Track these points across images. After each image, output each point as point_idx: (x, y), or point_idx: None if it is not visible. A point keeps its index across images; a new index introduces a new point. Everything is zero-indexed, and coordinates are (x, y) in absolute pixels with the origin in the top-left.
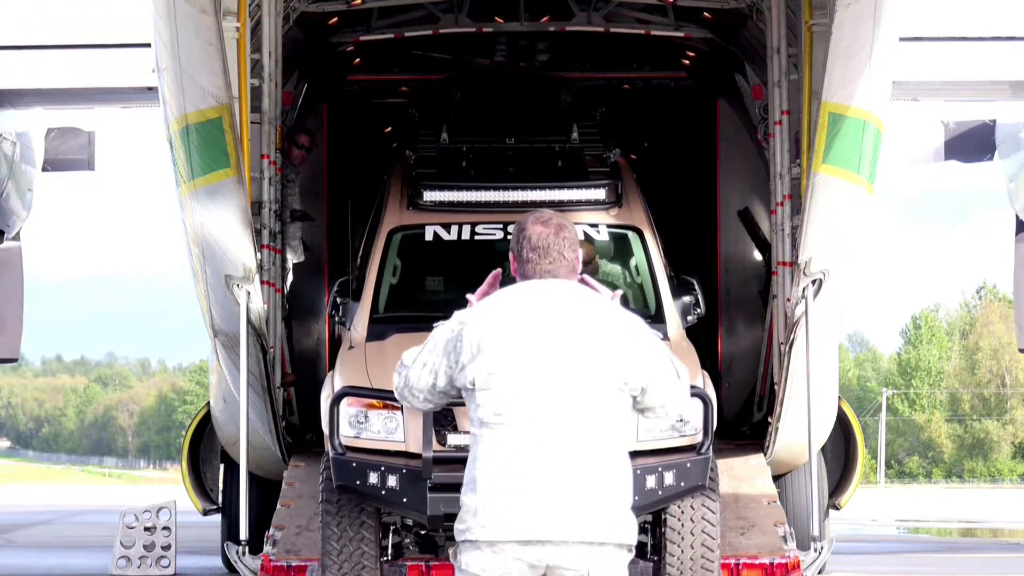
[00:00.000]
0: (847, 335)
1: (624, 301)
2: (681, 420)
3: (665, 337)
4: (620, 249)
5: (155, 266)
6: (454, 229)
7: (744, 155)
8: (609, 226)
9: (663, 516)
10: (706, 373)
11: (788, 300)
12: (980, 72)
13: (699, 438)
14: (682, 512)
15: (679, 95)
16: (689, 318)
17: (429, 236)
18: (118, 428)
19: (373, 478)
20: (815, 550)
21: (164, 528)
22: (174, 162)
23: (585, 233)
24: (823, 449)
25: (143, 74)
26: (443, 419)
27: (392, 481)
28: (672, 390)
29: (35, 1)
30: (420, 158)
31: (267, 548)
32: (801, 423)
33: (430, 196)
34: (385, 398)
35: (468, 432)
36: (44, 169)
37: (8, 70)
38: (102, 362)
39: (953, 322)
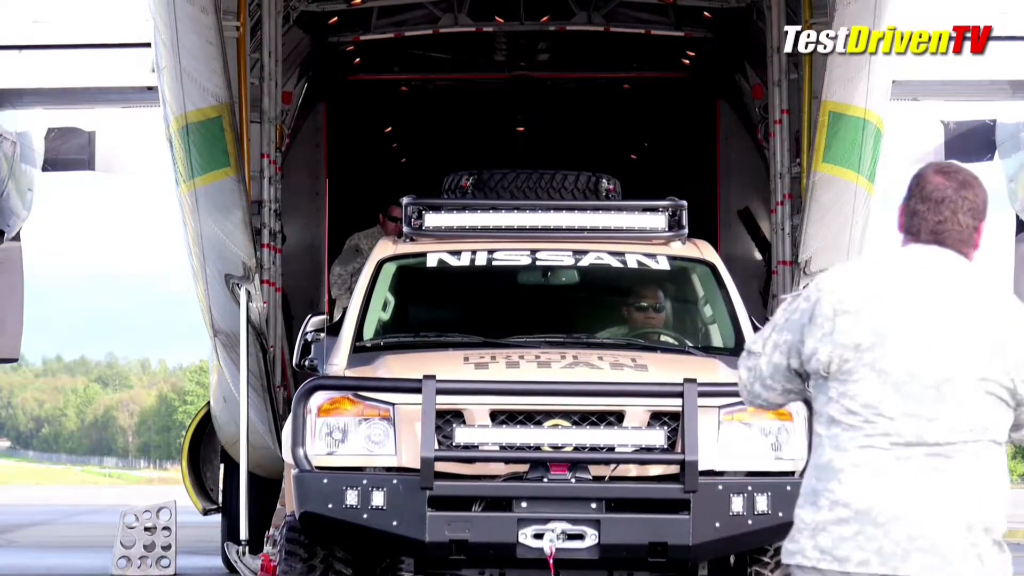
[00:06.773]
0: None
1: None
2: (776, 442)
3: None
4: (685, 289)
5: (155, 266)
6: (465, 255)
7: (744, 155)
8: (673, 258)
9: None
10: None
11: None
12: (980, 72)
13: (801, 461)
14: None
15: (679, 95)
16: None
17: (432, 263)
18: (118, 428)
19: (351, 498)
20: None
21: (164, 528)
22: (174, 161)
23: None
24: None
25: (143, 74)
26: (447, 412)
27: (378, 498)
28: None
29: (35, 1)
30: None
31: (267, 548)
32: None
33: (433, 220)
34: (371, 387)
35: (481, 426)
36: (44, 169)
37: (8, 70)
38: (102, 362)
39: None
